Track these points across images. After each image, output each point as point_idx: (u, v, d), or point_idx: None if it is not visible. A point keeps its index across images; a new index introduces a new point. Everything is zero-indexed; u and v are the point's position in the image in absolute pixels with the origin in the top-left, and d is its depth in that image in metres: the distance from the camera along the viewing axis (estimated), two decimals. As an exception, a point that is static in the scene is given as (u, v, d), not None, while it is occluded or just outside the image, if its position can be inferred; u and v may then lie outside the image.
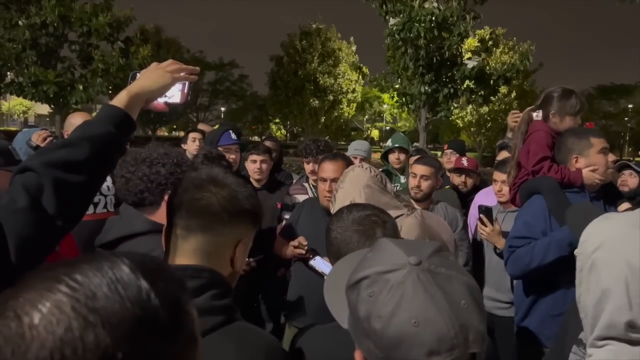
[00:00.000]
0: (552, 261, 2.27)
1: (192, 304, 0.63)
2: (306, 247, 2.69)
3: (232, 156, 3.55)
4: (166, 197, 1.78)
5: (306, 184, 3.64)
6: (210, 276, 1.13)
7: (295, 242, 2.73)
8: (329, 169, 2.80)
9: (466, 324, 0.77)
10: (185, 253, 1.15)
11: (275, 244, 3.06)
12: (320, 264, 2.49)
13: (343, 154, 3.17)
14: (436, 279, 0.80)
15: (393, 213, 2.11)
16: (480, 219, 3.06)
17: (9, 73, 18.90)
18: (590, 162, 2.41)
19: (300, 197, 3.45)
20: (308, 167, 3.57)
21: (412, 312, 0.77)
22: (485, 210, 3.05)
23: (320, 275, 2.45)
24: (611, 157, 2.43)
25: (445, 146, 5.01)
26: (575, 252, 1.17)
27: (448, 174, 4.33)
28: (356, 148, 4.20)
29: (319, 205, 2.92)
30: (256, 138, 43.35)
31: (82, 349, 0.50)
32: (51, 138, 2.82)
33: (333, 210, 2.16)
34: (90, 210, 3.00)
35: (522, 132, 2.71)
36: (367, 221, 1.37)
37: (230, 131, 3.72)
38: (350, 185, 2.14)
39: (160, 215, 1.80)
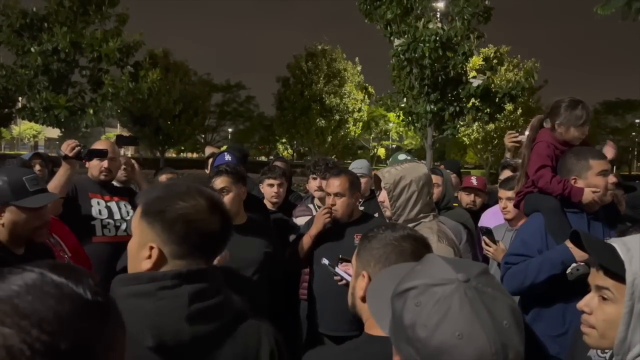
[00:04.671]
0: (545, 279, 2.31)
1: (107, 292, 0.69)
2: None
3: None
4: None
5: (311, 205, 3.65)
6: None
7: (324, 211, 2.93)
8: (332, 184, 2.97)
9: (507, 343, 0.81)
10: None
11: (294, 251, 3.13)
12: (342, 272, 2.52)
13: (348, 169, 3.31)
14: (482, 298, 0.83)
15: (423, 214, 2.31)
16: (483, 240, 3.12)
17: (20, 98, 19.23)
18: (588, 184, 2.41)
19: (304, 219, 3.50)
20: (314, 184, 3.60)
21: (457, 325, 0.80)
22: (487, 231, 3.11)
23: (341, 280, 2.52)
24: (612, 179, 2.41)
25: (441, 166, 4.98)
26: (626, 291, 1.12)
27: (456, 193, 4.37)
28: (358, 167, 4.29)
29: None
30: (263, 158, 43.53)
31: (29, 351, 0.56)
32: (79, 147, 2.89)
33: (384, 177, 2.34)
34: (112, 232, 3.10)
35: (530, 140, 2.70)
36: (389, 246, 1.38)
37: (226, 154, 3.75)
38: (414, 171, 2.34)
39: None
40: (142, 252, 1.20)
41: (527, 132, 2.85)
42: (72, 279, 0.63)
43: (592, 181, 2.41)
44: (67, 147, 2.89)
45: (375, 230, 1.42)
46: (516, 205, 2.86)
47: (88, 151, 2.96)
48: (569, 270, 2.28)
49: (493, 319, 0.81)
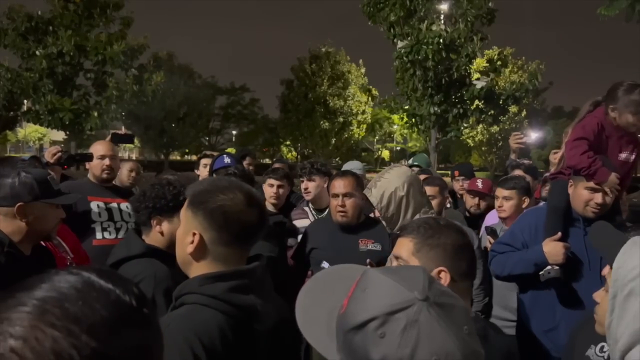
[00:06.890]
0: (520, 274, 2.52)
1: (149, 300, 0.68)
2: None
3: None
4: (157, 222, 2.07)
5: (307, 208, 3.65)
6: None
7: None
8: (340, 185, 2.91)
9: (475, 349, 0.79)
10: None
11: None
12: None
13: (353, 171, 3.27)
14: (444, 311, 0.80)
15: (421, 213, 2.30)
16: (487, 239, 3.18)
17: (25, 101, 19.34)
18: (575, 192, 2.44)
19: (300, 222, 3.49)
20: (301, 185, 3.64)
21: (432, 349, 0.77)
22: (491, 231, 3.17)
23: None
24: (598, 198, 2.38)
25: (456, 173, 4.95)
26: (608, 276, 1.14)
27: (463, 198, 4.36)
28: (357, 168, 4.30)
29: (331, 221, 3.01)
30: (267, 160, 43.58)
31: (78, 356, 0.54)
32: (60, 154, 3.01)
33: (370, 196, 2.34)
34: (113, 234, 3.10)
35: (579, 120, 2.59)
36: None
37: (225, 156, 3.79)
38: (395, 177, 2.33)
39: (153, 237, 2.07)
40: (187, 238, 1.35)
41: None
42: (120, 286, 0.62)
43: (579, 191, 2.43)
44: (49, 154, 3.01)
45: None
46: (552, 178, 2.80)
47: (67, 157, 3.05)
48: (541, 272, 2.41)
49: (458, 330, 0.79)
